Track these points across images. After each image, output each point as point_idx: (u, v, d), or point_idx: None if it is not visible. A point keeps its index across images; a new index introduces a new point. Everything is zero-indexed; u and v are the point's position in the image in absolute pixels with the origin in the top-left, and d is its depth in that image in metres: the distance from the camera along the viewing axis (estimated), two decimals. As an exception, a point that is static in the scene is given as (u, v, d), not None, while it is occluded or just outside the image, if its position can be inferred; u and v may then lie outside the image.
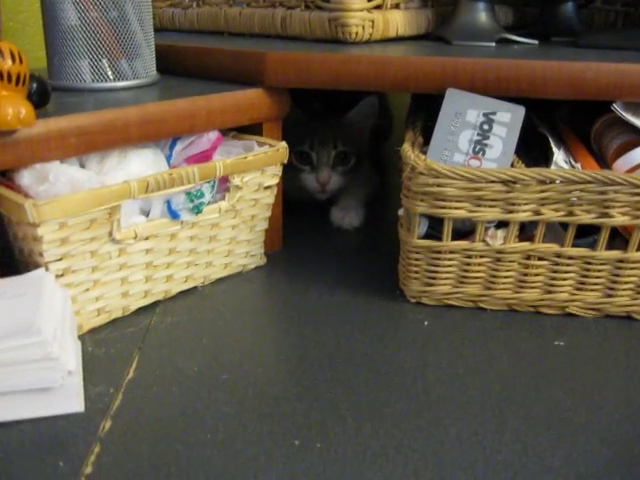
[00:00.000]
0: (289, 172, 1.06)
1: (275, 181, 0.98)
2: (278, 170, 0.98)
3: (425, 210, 0.86)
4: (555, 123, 1.08)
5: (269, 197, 0.99)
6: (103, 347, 0.84)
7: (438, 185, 0.85)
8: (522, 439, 0.69)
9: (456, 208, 0.86)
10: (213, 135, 0.93)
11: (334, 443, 0.68)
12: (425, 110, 1.10)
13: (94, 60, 0.96)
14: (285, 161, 0.97)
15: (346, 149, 1.20)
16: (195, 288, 0.97)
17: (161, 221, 0.88)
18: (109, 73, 0.97)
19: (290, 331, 0.88)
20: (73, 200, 0.77)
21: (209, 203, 0.91)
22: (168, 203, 0.88)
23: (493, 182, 0.84)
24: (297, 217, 1.20)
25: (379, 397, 0.75)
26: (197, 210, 0.89)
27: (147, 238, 0.87)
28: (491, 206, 0.86)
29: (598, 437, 0.69)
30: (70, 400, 0.72)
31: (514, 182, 0.83)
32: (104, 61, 0.97)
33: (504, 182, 0.84)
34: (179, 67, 1.11)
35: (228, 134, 1.00)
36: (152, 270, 0.90)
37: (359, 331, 0.88)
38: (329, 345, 0.85)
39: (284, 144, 0.97)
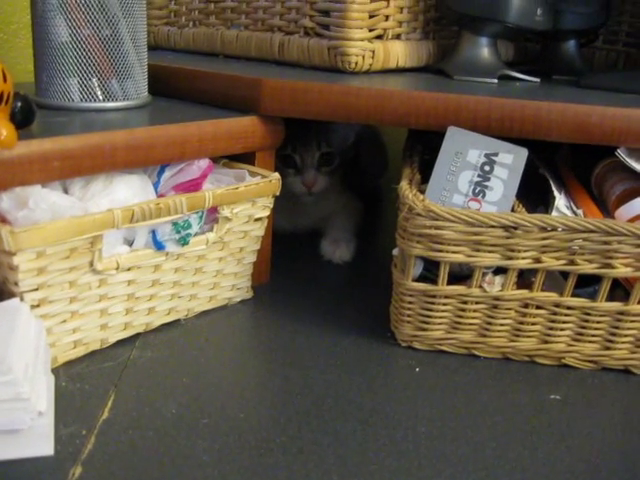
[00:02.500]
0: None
1: (266, 213, 0.94)
2: (269, 202, 0.94)
3: (421, 252, 0.83)
4: (555, 165, 1.05)
5: (259, 229, 0.95)
6: (78, 382, 0.79)
7: (436, 227, 0.81)
8: (517, 504, 0.65)
9: (454, 252, 0.82)
10: (203, 163, 0.89)
11: (318, 501, 0.64)
12: (422, 143, 1.07)
13: (84, 79, 0.92)
14: (277, 193, 0.93)
15: (330, 150, 1.18)
16: (178, 321, 0.93)
17: (145, 252, 0.84)
18: (98, 93, 0.93)
19: (275, 372, 0.84)
20: (53, 228, 0.73)
21: (196, 234, 0.87)
22: (153, 233, 0.84)
23: (493, 227, 0.80)
24: (286, 248, 1.17)
25: (367, 451, 0.71)
26: (184, 241, 0.85)
27: (129, 269, 0.83)
28: (490, 251, 0.82)
29: (596, 504, 0.66)
30: (39, 443, 0.68)
31: (515, 228, 0.80)
32: (94, 80, 0.92)
33: (505, 227, 0.80)
34: (172, 89, 1.07)
35: (219, 162, 0.96)
36: (133, 302, 0.85)
37: (347, 376, 0.83)
38: (316, 390, 0.80)
39: (277, 175, 0.93)
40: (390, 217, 1.37)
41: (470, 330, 0.87)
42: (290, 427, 0.74)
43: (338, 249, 1.13)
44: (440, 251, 0.82)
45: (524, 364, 0.88)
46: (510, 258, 0.82)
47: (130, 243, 0.84)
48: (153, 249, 0.84)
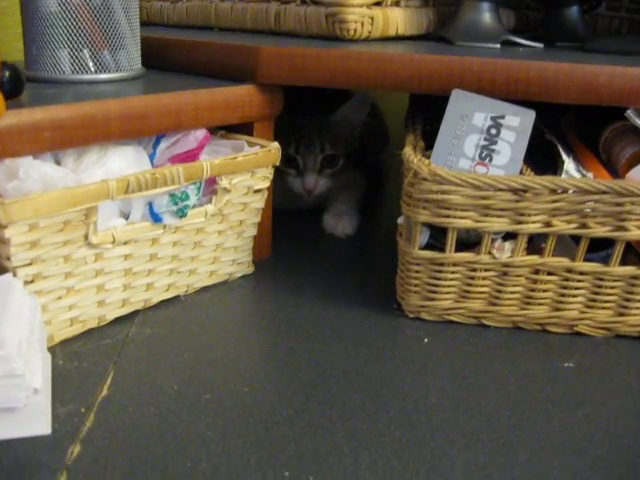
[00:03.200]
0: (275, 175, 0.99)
1: (266, 184, 0.90)
2: (269, 172, 0.90)
3: (428, 219, 0.79)
4: (561, 131, 1.01)
5: (259, 201, 0.91)
6: (75, 361, 0.76)
7: (443, 192, 0.78)
8: (536, 473, 0.62)
9: (461, 217, 0.79)
10: (200, 133, 0.86)
11: (328, 475, 0.61)
12: (424, 114, 1.04)
13: (74, 50, 0.88)
14: (277, 163, 0.90)
15: (334, 152, 1.12)
16: (177, 297, 0.89)
17: (142, 225, 0.80)
18: (90, 64, 0.89)
19: (279, 346, 0.81)
20: (45, 199, 0.69)
21: (194, 206, 0.83)
22: (150, 205, 0.80)
23: (502, 190, 0.77)
24: (287, 223, 1.13)
25: (377, 423, 0.68)
26: (181, 213, 0.82)
27: (126, 243, 0.79)
28: (499, 216, 0.79)
29: (617, 472, 0.63)
30: (35, 421, 0.64)
31: (524, 191, 0.77)
32: (85, 51, 0.89)
33: (514, 191, 0.77)
34: (166, 62, 1.03)
35: (216, 133, 0.93)
36: (131, 277, 0.82)
37: (354, 348, 0.80)
38: (321, 363, 0.77)
39: (276, 145, 0.89)
40: (392, 191, 1.34)
41: (479, 299, 0.84)
42: (296, 400, 0.71)
43: (341, 223, 1.09)
44: (447, 217, 0.79)
45: (535, 333, 0.85)
46: (520, 222, 0.78)
47: (126, 216, 0.80)
48: (150, 222, 0.80)
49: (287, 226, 1.13)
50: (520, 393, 0.73)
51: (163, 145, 0.85)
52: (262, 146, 0.89)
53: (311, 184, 1.09)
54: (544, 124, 0.99)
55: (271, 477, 0.60)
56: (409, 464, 0.62)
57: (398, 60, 0.85)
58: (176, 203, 0.81)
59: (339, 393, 0.72)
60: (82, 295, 0.78)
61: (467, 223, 0.79)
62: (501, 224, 0.79)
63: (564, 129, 1.02)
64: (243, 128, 0.92)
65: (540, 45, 1.08)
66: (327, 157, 1.11)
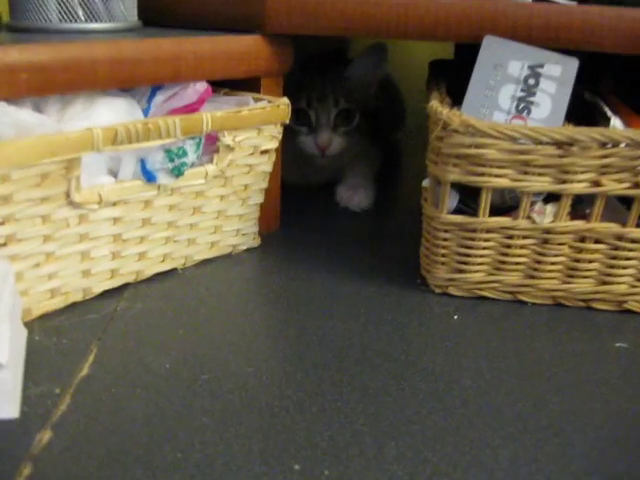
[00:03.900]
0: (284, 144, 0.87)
1: (274, 145, 0.78)
2: (278, 131, 0.77)
3: (458, 177, 0.67)
4: (600, 94, 0.89)
5: (266, 164, 0.79)
6: (54, 336, 0.63)
7: (476, 146, 0.65)
8: (596, 467, 0.49)
9: (497, 176, 0.66)
10: (201, 86, 0.73)
11: (347, 469, 0.48)
12: (446, 81, 0.91)
13: (62, -4, 0.77)
14: (287, 121, 0.77)
15: (349, 106, 0.99)
16: (174, 270, 0.77)
17: (133, 183, 0.68)
18: (80, 12, 0.77)
19: (288, 323, 0.68)
20: (18, 146, 0.57)
21: (193, 165, 0.71)
22: (142, 162, 0.68)
23: (544, 144, 0.65)
24: (297, 197, 1.00)
25: (405, 409, 0.55)
26: (178, 172, 0.69)
27: (115, 204, 0.67)
28: (540, 174, 0.66)
29: (697, 467, 0.50)
30: (0, 403, 0.52)
31: (570, 144, 0.64)
32: (74, -1, 0.77)
33: (558, 144, 0.64)
34: (165, 16, 0.90)
35: (219, 91, 0.81)
36: (121, 245, 0.70)
37: (374, 326, 0.68)
38: (337, 341, 0.65)
39: (286, 100, 0.77)
40: (410, 170, 1.22)
41: (516, 271, 0.71)
42: (308, 382, 0.58)
43: (356, 195, 0.96)
44: (481, 175, 0.66)
45: (579, 311, 0.71)
46: (564, 182, 0.66)
47: (116, 175, 0.68)
48: (142, 180, 0.68)
49: (297, 200, 1.00)
50: (569, 376, 0.61)
51: (159, 98, 0.73)
52: (269, 101, 0.77)
53: (325, 140, 0.96)
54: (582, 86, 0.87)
55: (278, 470, 0.48)
56: (445, 456, 0.50)
57: (423, 4, 0.73)
58: (172, 160, 0.68)
59: (358, 374, 0.59)
60: (64, 263, 0.66)
61: (503, 182, 0.66)
62: (542, 183, 0.66)
63: (604, 92, 0.90)
64: (249, 85, 0.80)
65: (573, 3, 0.96)
66: (342, 112, 0.98)
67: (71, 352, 0.61)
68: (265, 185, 0.80)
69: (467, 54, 0.75)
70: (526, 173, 0.66)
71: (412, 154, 1.31)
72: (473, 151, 0.65)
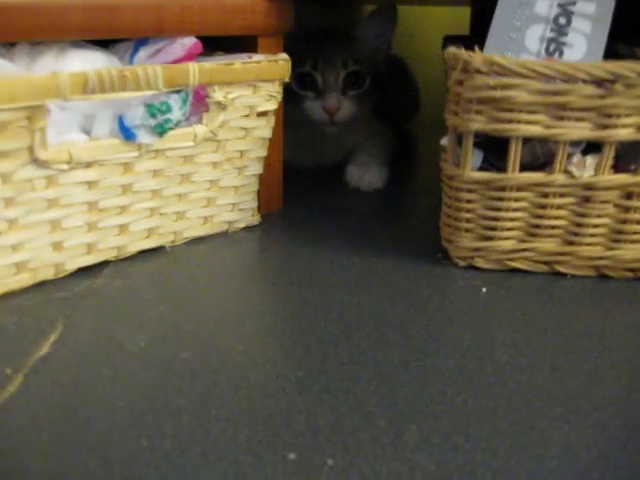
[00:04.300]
0: (286, 109, 0.77)
1: (272, 106, 0.67)
2: (276, 91, 0.67)
3: (483, 126, 0.56)
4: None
5: (264, 128, 0.68)
6: (15, 315, 0.53)
7: (503, 88, 0.55)
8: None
9: (528, 122, 0.55)
10: (189, 40, 0.64)
11: (356, 458, 0.37)
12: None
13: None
14: (286, 78, 0.67)
15: (359, 68, 0.88)
16: (162, 249, 0.66)
17: (109, 142, 0.57)
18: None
19: (289, 297, 0.57)
20: (-34, 89, 0.48)
21: (179, 124, 0.61)
22: (120, 118, 0.58)
23: (583, 82, 0.54)
24: (302, 177, 0.89)
25: (428, 387, 0.44)
26: (161, 130, 0.59)
27: (89, 165, 0.57)
28: (578, 119, 0.55)
29: None
30: None
31: (613, 81, 0.53)
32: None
33: (598, 82, 0.54)
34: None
35: (211, 54, 0.71)
36: (97, 214, 0.59)
37: (388, 300, 0.56)
38: (346, 316, 0.53)
39: (285, 56, 0.67)
40: (425, 157, 1.11)
41: (553, 237, 0.59)
42: (310, 359, 0.47)
43: (368, 173, 0.85)
44: (509, 122, 0.55)
45: (628, 284, 0.60)
46: (606, 127, 0.55)
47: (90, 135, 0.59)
48: (120, 139, 0.58)
49: (303, 180, 0.89)
50: (625, 349, 0.49)
51: (142, 54, 0.63)
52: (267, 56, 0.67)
53: (333, 103, 0.84)
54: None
55: (268, 460, 0.37)
56: (480, 442, 0.38)
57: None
58: (154, 116, 0.58)
59: (370, 350, 0.48)
60: (30, 232, 0.55)
61: (535, 130, 0.55)
62: (581, 130, 0.55)
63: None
64: (245, 45, 0.70)
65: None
66: (351, 75, 0.87)
67: (32, 331, 0.50)
68: (264, 153, 0.69)
69: (483, 30, 0.65)
70: (562, 118, 0.55)
71: (427, 147, 1.20)
72: (499, 94, 0.54)
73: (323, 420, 0.40)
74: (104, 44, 0.65)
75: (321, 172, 0.92)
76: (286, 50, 0.70)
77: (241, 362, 0.46)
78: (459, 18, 1.23)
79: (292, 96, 0.84)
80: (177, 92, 0.59)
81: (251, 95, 0.65)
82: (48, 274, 0.58)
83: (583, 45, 0.59)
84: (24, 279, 0.57)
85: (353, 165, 0.86)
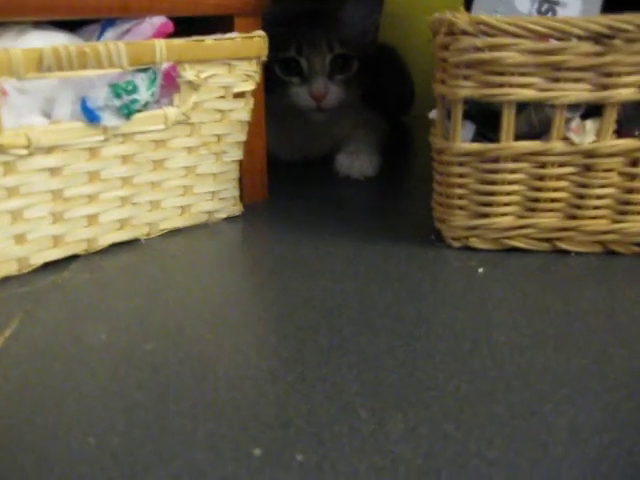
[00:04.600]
0: (271, 99, 0.73)
1: (249, 86, 0.62)
2: (253, 70, 0.62)
3: (472, 93, 0.51)
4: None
5: (242, 111, 0.63)
6: (-30, 312, 0.49)
7: (491, 48, 0.50)
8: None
9: (520, 86, 0.50)
10: (158, 19, 0.60)
11: (330, 452, 0.32)
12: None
13: None
14: (263, 57, 0.62)
15: (346, 51, 0.82)
16: (137, 241, 0.61)
17: (72, 125, 0.52)
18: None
19: (268, 286, 0.52)
20: None
21: (147, 106, 0.56)
22: (83, 100, 0.54)
23: (579, 39, 0.49)
24: (287, 167, 0.85)
25: (416, 372, 0.39)
26: (127, 111, 0.54)
27: (50, 151, 0.52)
28: (576, 80, 0.50)
29: None
30: None
31: (612, 37, 0.48)
32: None
33: (596, 38, 0.49)
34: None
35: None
36: (62, 204, 0.54)
37: (376, 285, 0.51)
38: (328, 302, 0.48)
39: (262, 32, 0.62)
40: (418, 151, 1.05)
41: (553, 211, 0.54)
42: (285, 348, 0.42)
43: (358, 160, 0.80)
44: (500, 86, 0.50)
45: (637, 259, 0.54)
46: (606, 87, 0.50)
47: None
48: (84, 122, 0.54)
49: (289, 170, 0.84)
50: (635, 326, 0.43)
51: (109, 35, 0.59)
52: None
53: (320, 88, 0.79)
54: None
55: (229, 457, 0.31)
56: (474, 429, 0.33)
57: None
58: (119, 96, 0.54)
59: (353, 336, 0.43)
60: (-12, 225, 0.51)
61: (529, 94, 0.50)
62: (579, 92, 0.50)
63: None
64: (220, 27, 0.66)
65: None
66: (337, 58, 0.81)
67: (-15, 327, 0.46)
68: (243, 138, 0.64)
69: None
70: (557, 80, 0.50)
71: (422, 140, 1.15)
72: (488, 55, 0.49)
73: (295, 411, 0.35)
74: (70, 28, 0.61)
75: (309, 164, 0.87)
76: (268, 34, 0.65)
77: (209, 353, 0.41)
78: (452, 6, 1.19)
79: (276, 83, 0.79)
80: (144, 71, 0.55)
81: (226, 74, 0.60)
82: (11, 269, 0.53)
83: (577, 4, 0.54)
84: (-17, 275, 0.52)
85: (343, 153, 0.81)
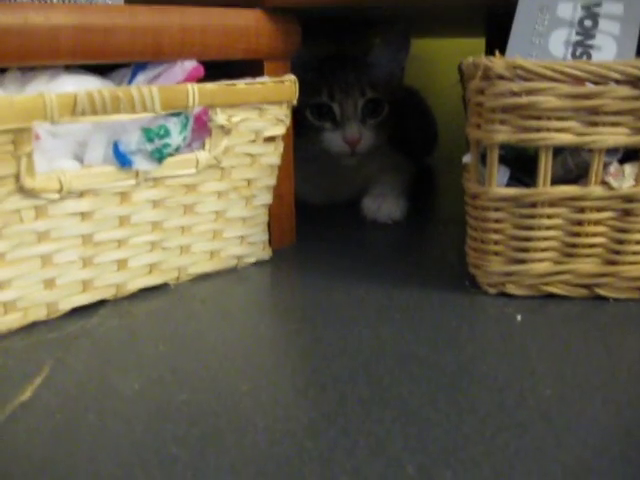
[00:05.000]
0: (300, 142, 0.73)
1: (280, 130, 0.63)
2: (284, 114, 0.62)
3: (508, 137, 0.51)
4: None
5: (272, 155, 0.64)
6: (1, 358, 0.48)
7: (528, 93, 0.50)
8: None
9: (557, 130, 0.50)
10: (189, 64, 0.60)
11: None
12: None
13: (33, -20, 0.65)
14: (294, 101, 0.62)
15: (377, 95, 0.83)
16: (166, 286, 0.61)
17: (103, 169, 0.53)
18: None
19: (301, 334, 0.51)
20: (-55, 112, 0.44)
21: (179, 150, 0.56)
22: (115, 144, 0.54)
23: (616, 83, 0.49)
24: (315, 211, 0.84)
25: (461, 426, 0.37)
26: (159, 155, 0.55)
27: (82, 195, 0.52)
28: (613, 124, 0.50)
29: None
30: None
31: (651, 81, 0.48)
32: (47, -18, 0.66)
33: (633, 82, 0.48)
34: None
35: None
36: (92, 249, 0.54)
37: (412, 332, 0.50)
38: (365, 351, 0.47)
39: (292, 77, 0.62)
40: (445, 192, 1.05)
41: (591, 256, 0.53)
42: (325, 400, 0.41)
43: (385, 203, 0.80)
44: (537, 131, 0.50)
45: (678, 306, 0.54)
46: (646, 132, 0.50)
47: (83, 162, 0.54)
48: (115, 166, 0.54)
49: (317, 213, 0.84)
50: (687, 379, 0.43)
51: (141, 79, 0.59)
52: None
53: (354, 133, 0.79)
54: None
55: (274, 517, 0.31)
56: (528, 489, 0.32)
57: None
58: (151, 140, 0.54)
59: (394, 387, 0.42)
60: (19, 269, 0.50)
61: (566, 138, 0.50)
62: (617, 136, 0.50)
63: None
64: (250, 70, 0.66)
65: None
66: (369, 103, 0.82)
67: (16, 375, 0.45)
68: (273, 182, 0.65)
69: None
70: (595, 124, 0.50)
71: (447, 181, 1.15)
72: (525, 100, 0.49)
73: (339, 468, 0.34)
74: (101, 72, 0.62)
75: (335, 207, 0.87)
76: (298, 79, 0.65)
77: (246, 404, 0.40)
78: (473, 50, 1.20)
79: (307, 127, 0.80)
80: (176, 115, 0.55)
81: (257, 119, 0.60)
82: (40, 314, 0.53)
83: (612, 47, 0.54)
84: (13, 320, 0.51)
85: (369, 196, 0.80)
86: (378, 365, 0.45)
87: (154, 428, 0.38)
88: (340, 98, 0.80)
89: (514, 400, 0.40)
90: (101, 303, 0.56)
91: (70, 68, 0.59)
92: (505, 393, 0.41)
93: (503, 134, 0.51)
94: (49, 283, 0.53)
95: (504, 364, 0.45)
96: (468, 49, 1.24)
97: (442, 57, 1.33)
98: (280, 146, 0.64)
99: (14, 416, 0.40)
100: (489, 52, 0.98)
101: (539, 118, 0.50)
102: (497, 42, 0.62)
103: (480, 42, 1.16)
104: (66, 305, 0.54)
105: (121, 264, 0.57)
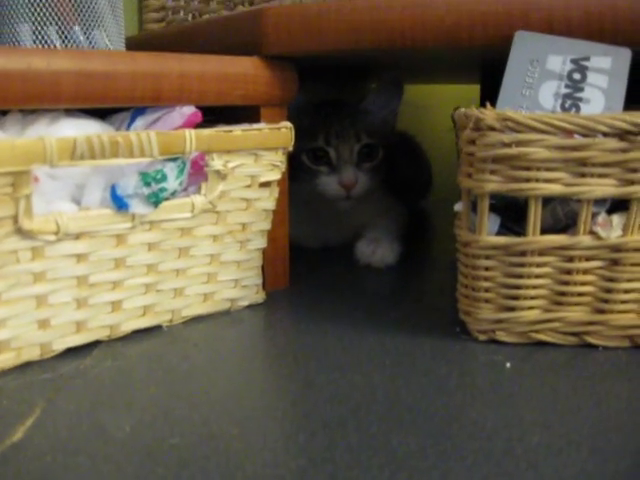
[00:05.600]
0: (294, 186, 0.75)
1: (275, 176, 0.64)
2: (280, 160, 0.64)
3: (499, 187, 0.52)
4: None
5: (267, 200, 0.65)
6: (-9, 400, 0.49)
7: (518, 144, 0.51)
8: None
9: (547, 181, 0.52)
10: (188, 109, 0.62)
11: None
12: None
13: (38, 25, 0.67)
14: (290, 147, 0.65)
15: (372, 141, 0.85)
16: (159, 328, 0.62)
17: (100, 211, 0.54)
18: (57, 43, 0.67)
19: (292, 378, 0.52)
20: (-53, 155, 0.46)
21: (175, 194, 0.58)
22: (113, 188, 0.55)
23: (604, 135, 0.51)
24: (310, 254, 0.86)
25: (449, 474, 0.38)
26: (155, 199, 0.56)
27: (78, 237, 0.53)
28: (601, 175, 0.51)
29: None
30: None
31: (636, 133, 0.50)
32: (51, 28, 0.68)
33: (621, 135, 0.50)
34: (161, 48, 0.80)
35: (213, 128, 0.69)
36: (87, 290, 0.55)
37: (402, 379, 0.51)
38: (355, 397, 0.48)
39: (288, 124, 0.64)
40: (438, 236, 1.07)
41: (580, 305, 0.54)
42: (315, 445, 0.41)
43: (379, 248, 0.81)
44: (527, 181, 0.52)
45: (667, 355, 0.55)
46: (632, 183, 0.51)
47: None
48: (112, 209, 0.55)
49: (310, 257, 0.86)
50: (674, 429, 0.44)
51: (139, 124, 0.61)
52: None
53: (350, 177, 0.81)
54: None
55: None
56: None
57: (441, 4, 0.62)
58: (148, 184, 0.55)
59: (382, 434, 0.43)
60: (14, 309, 0.51)
61: (556, 189, 0.52)
62: (605, 187, 0.51)
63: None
64: (247, 116, 0.68)
65: None
66: (364, 147, 0.85)
67: (8, 415, 0.45)
68: (268, 227, 0.66)
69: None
70: (583, 175, 0.51)
71: (440, 225, 1.16)
72: (515, 150, 0.51)
73: (328, 515, 0.35)
74: (101, 116, 0.63)
75: (329, 250, 0.88)
76: (293, 124, 0.67)
77: (236, 448, 0.41)
78: (468, 96, 1.23)
79: (302, 171, 0.82)
80: (173, 160, 0.57)
81: (252, 164, 0.62)
82: (33, 354, 0.54)
83: (601, 100, 0.56)
84: (6, 359, 0.52)
85: (363, 241, 0.82)
86: (368, 411, 0.46)
87: (144, 471, 0.39)
88: (336, 143, 0.82)
89: (502, 448, 0.41)
90: (95, 344, 0.57)
91: (70, 112, 0.61)
92: (493, 441, 0.42)
93: (494, 184, 0.53)
94: (43, 323, 0.54)
95: (492, 412, 0.45)
96: (464, 95, 1.28)
97: (438, 103, 1.37)
98: (275, 191, 0.66)
99: (4, 457, 0.40)
100: (484, 98, 1.02)
101: (529, 169, 0.52)
102: (492, 88, 0.64)
103: (475, 88, 1.19)
104: (60, 345, 0.55)
105: (115, 306, 0.58)
